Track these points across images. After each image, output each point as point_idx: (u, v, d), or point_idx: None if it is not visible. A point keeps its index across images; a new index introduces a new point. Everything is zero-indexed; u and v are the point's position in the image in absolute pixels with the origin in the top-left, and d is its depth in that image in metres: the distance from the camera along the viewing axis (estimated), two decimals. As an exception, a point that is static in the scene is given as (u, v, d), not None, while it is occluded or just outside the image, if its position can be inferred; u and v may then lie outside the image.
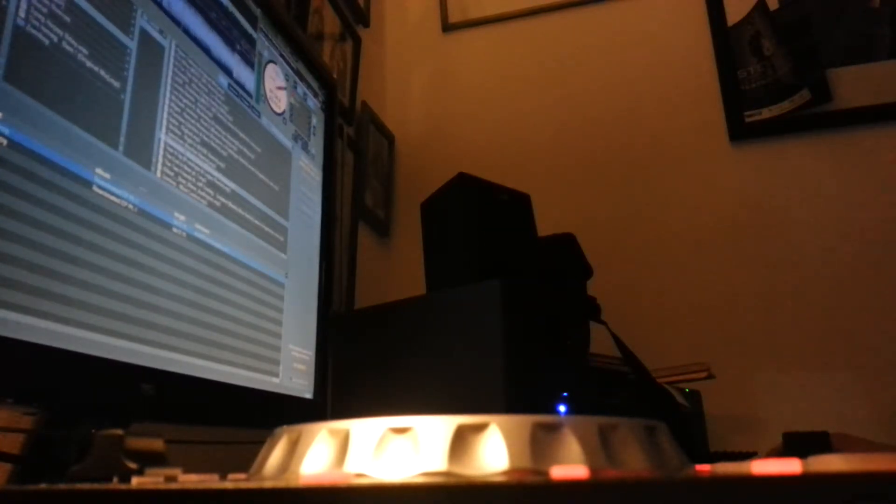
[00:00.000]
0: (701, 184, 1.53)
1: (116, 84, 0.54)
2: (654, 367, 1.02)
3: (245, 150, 0.74)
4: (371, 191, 1.59)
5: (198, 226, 0.64)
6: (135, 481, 0.33)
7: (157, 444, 0.54)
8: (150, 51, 0.59)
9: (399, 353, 0.73)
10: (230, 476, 0.36)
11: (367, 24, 1.72)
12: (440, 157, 1.74)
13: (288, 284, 0.81)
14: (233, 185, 0.70)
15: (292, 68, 0.88)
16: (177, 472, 0.37)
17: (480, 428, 0.30)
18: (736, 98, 1.55)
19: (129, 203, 0.55)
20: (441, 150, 1.75)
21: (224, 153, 0.69)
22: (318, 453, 0.32)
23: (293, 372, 0.80)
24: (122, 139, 0.54)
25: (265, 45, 0.81)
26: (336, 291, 1.31)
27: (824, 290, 1.39)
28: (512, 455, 0.29)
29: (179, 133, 0.62)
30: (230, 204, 0.70)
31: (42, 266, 0.46)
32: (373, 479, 0.29)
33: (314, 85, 0.95)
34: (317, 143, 0.94)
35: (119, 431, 0.50)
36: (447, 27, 1.84)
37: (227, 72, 0.72)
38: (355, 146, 1.54)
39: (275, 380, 0.76)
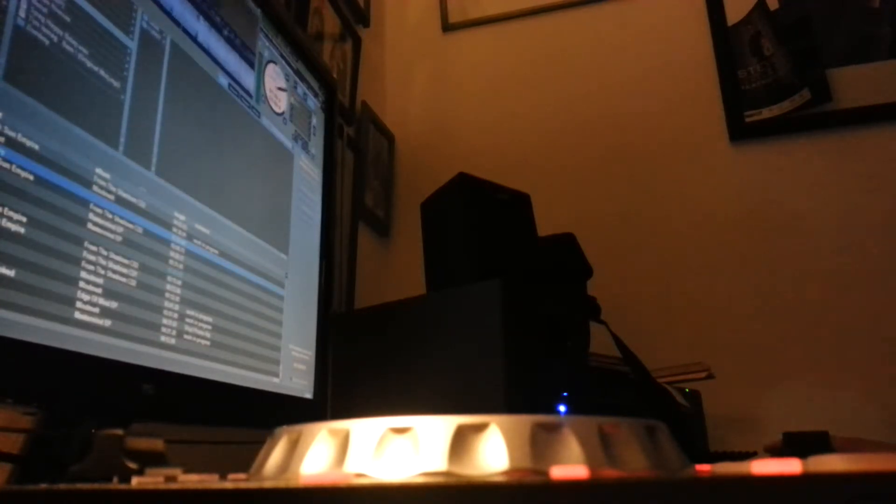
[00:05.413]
0: (701, 184, 1.53)
1: (116, 84, 0.54)
2: (654, 367, 1.02)
3: (245, 150, 0.74)
4: (371, 191, 1.59)
5: (198, 226, 0.64)
6: (135, 481, 0.33)
7: (157, 444, 0.54)
8: (150, 51, 0.59)
9: (399, 353, 0.73)
10: (230, 476, 0.36)
11: (367, 24, 1.72)
12: (440, 157, 1.74)
13: (288, 284, 0.81)
14: (233, 185, 0.70)
15: (292, 68, 0.88)
16: (177, 472, 0.37)
17: (480, 428, 0.30)
18: (736, 98, 1.55)
19: (128, 203, 0.55)
20: (441, 150, 1.75)
21: (224, 153, 0.69)
22: (318, 453, 0.32)
23: (293, 372, 0.80)
24: (122, 139, 0.54)
25: (265, 45, 0.81)
26: (336, 291, 1.31)
27: (824, 290, 1.39)
28: (512, 455, 0.29)
29: (179, 133, 0.62)
30: (230, 204, 0.69)
31: (42, 266, 0.46)
32: (373, 479, 0.29)
33: (314, 85, 0.95)
34: (317, 143, 0.94)
35: (119, 431, 0.50)
36: (447, 27, 1.84)
37: (227, 72, 0.72)
38: (355, 146, 1.54)
39: (275, 380, 0.76)
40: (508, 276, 0.67)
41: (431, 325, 0.71)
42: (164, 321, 0.57)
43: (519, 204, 0.85)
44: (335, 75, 1.33)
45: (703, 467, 0.33)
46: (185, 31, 0.65)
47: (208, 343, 0.63)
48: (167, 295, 0.58)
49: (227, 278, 0.68)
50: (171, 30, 0.62)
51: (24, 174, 0.45)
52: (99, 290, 0.50)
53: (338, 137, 1.02)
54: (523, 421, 0.30)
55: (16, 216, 0.44)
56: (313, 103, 0.94)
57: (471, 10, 1.83)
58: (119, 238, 0.53)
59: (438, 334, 0.70)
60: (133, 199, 0.55)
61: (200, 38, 0.67)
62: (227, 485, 0.27)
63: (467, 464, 0.29)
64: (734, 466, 0.29)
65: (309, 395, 0.84)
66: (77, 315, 0.48)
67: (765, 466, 0.25)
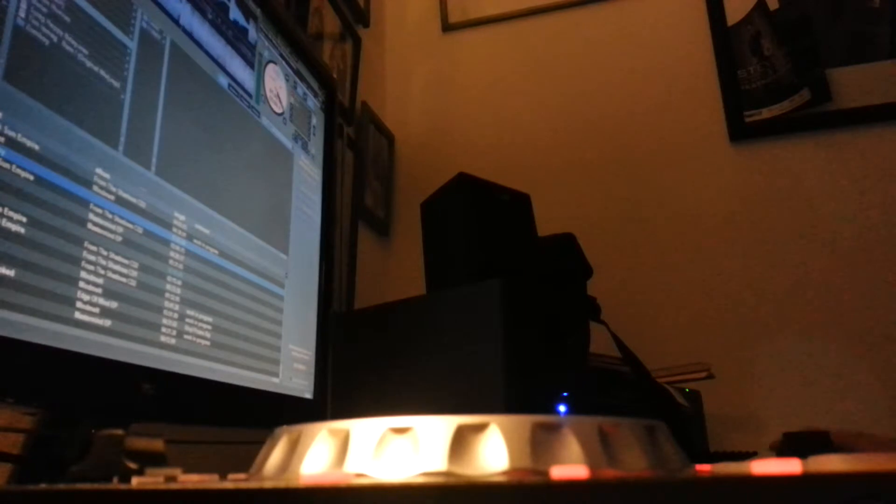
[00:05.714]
0: (701, 184, 1.53)
1: (116, 84, 0.54)
2: (654, 367, 1.02)
3: (245, 150, 0.74)
4: (371, 191, 1.59)
5: (198, 226, 0.64)
6: (135, 481, 0.33)
7: (157, 444, 0.54)
8: (150, 51, 0.59)
9: (399, 352, 0.73)
10: (230, 476, 0.36)
11: (367, 24, 1.72)
12: (440, 157, 1.74)
13: (288, 284, 0.80)
14: (233, 185, 0.70)
15: (292, 68, 0.88)
16: (177, 472, 0.37)
17: (480, 428, 0.30)
18: (736, 98, 1.55)
19: (128, 203, 0.55)
20: (441, 150, 1.75)
21: (224, 153, 0.69)
22: (318, 453, 0.32)
23: (293, 372, 0.80)
24: (122, 139, 0.54)
25: (265, 45, 0.81)
26: (336, 291, 1.31)
27: (824, 290, 1.39)
28: (512, 455, 0.29)
29: (179, 133, 0.62)
30: (230, 204, 0.69)
31: (42, 266, 0.46)
32: (373, 479, 0.29)
33: (314, 85, 0.95)
34: (317, 143, 0.94)
35: (119, 431, 0.50)
36: (447, 27, 1.84)
37: (227, 72, 0.72)
38: (355, 146, 1.54)
39: (275, 380, 0.76)
40: (508, 276, 0.67)
41: (431, 325, 0.71)
42: (164, 321, 0.57)
43: (519, 204, 0.85)
44: (335, 75, 1.33)
45: (703, 467, 0.33)
46: (185, 31, 0.65)
47: (208, 343, 0.63)
48: (167, 295, 0.58)
49: (227, 278, 0.68)
50: (171, 30, 0.62)
51: (24, 174, 0.45)
52: (99, 290, 0.50)
53: (338, 137, 1.02)
54: (523, 421, 0.30)
55: (16, 216, 0.44)
56: (313, 103, 0.94)
57: (471, 10, 1.83)
58: (119, 238, 0.53)
59: (438, 334, 0.70)
60: (133, 200, 0.55)
61: (200, 38, 0.67)
62: (227, 485, 0.27)
63: (467, 464, 0.29)
64: (734, 466, 0.29)
65: (309, 395, 0.84)
66: (77, 315, 0.48)
67: (765, 466, 0.25)
